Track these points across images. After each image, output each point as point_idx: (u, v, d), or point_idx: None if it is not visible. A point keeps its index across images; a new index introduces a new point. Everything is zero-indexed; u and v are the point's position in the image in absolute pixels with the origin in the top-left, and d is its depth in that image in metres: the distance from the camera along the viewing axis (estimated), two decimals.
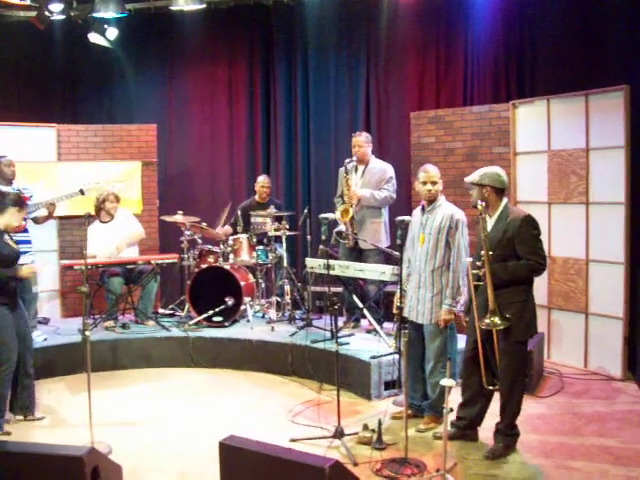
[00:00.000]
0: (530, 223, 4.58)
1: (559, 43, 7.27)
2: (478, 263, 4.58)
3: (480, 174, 4.71)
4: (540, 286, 6.90)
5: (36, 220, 6.99)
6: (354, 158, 7.00)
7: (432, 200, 5.14)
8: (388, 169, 7.04)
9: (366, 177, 7.01)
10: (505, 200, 4.72)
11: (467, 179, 4.80)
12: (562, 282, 6.81)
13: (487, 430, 4.88)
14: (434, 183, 5.11)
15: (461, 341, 5.69)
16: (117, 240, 7.46)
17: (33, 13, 8.06)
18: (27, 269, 5.32)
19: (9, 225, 5.25)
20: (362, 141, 7.01)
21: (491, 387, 4.72)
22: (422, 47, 8.37)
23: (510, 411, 4.67)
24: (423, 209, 5.21)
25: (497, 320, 4.46)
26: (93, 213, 7.46)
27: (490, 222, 4.65)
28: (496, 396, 4.81)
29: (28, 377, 5.40)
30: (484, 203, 4.57)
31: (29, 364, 5.40)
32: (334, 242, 7.08)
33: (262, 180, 8.33)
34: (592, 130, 6.51)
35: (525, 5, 7.49)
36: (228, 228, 8.25)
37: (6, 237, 5.24)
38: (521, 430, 4.78)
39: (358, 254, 6.97)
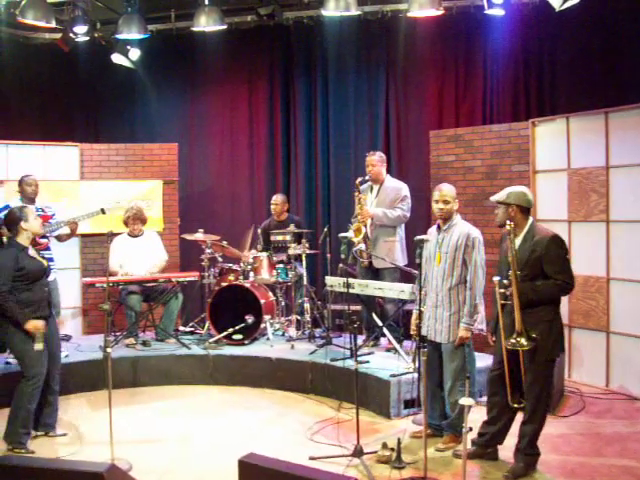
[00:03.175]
0: (558, 243, 4.56)
1: (578, 61, 7.29)
2: (505, 282, 4.56)
3: (506, 193, 4.70)
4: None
5: (59, 238, 7.08)
6: (367, 177, 7.03)
7: (446, 219, 5.15)
8: (403, 188, 7.04)
9: (381, 196, 7.02)
10: (531, 219, 4.69)
11: (493, 198, 4.78)
12: (582, 300, 6.77)
13: (507, 449, 4.85)
14: (446, 202, 5.11)
15: (480, 360, 5.69)
16: (149, 269, 7.60)
17: (58, 35, 8.22)
18: (33, 324, 5.07)
19: (32, 237, 5.31)
20: (376, 160, 7.03)
21: (516, 405, 4.68)
22: (441, 66, 8.42)
23: (532, 429, 4.62)
24: (439, 228, 5.22)
25: (523, 341, 4.41)
26: (115, 231, 7.50)
27: (516, 242, 4.61)
28: (519, 416, 4.78)
29: (53, 394, 5.44)
30: (512, 223, 4.56)
31: (55, 381, 5.44)
32: (351, 261, 7.07)
33: (274, 198, 8.40)
34: (612, 148, 6.50)
35: (544, 23, 7.51)
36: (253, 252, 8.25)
37: (30, 252, 5.27)
38: (542, 450, 4.74)
39: (374, 274, 6.96)
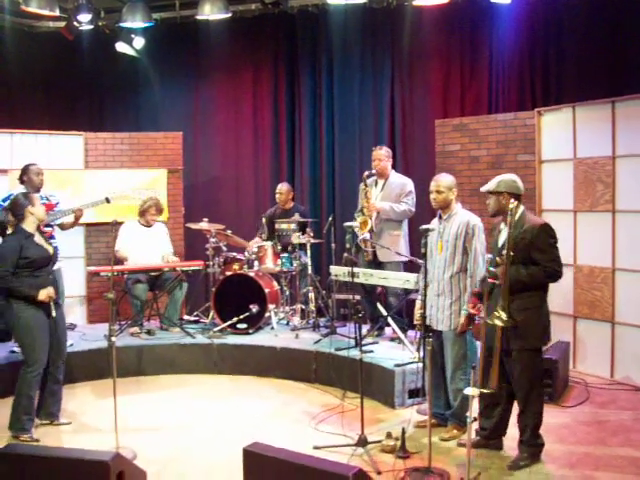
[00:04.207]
0: (547, 231, 4.57)
1: (585, 50, 7.23)
2: (498, 259, 4.56)
3: (496, 182, 4.72)
4: (566, 294, 6.87)
5: (62, 226, 7.06)
6: (373, 171, 7.02)
7: (443, 208, 5.17)
8: (408, 183, 7.05)
9: (386, 191, 7.02)
10: (522, 207, 4.69)
11: (483, 188, 4.81)
12: (587, 291, 6.75)
13: (512, 439, 4.84)
14: (439, 192, 5.12)
15: None
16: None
17: (62, 24, 8.20)
18: (45, 293, 5.15)
19: (37, 222, 5.29)
20: (382, 155, 7.04)
21: (486, 390, 4.49)
22: (447, 55, 8.36)
23: (529, 421, 4.61)
24: (440, 218, 5.22)
25: (503, 316, 4.40)
26: (119, 220, 7.48)
27: (506, 228, 4.61)
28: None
29: (57, 383, 5.45)
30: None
31: (60, 370, 5.44)
32: (355, 252, 7.04)
33: (278, 187, 8.36)
34: (619, 138, 6.46)
35: (550, 12, 7.45)
36: (257, 240, 8.23)
37: (36, 238, 5.24)
38: (546, 440, 4.74)
39: (377, 267, 6.94)
